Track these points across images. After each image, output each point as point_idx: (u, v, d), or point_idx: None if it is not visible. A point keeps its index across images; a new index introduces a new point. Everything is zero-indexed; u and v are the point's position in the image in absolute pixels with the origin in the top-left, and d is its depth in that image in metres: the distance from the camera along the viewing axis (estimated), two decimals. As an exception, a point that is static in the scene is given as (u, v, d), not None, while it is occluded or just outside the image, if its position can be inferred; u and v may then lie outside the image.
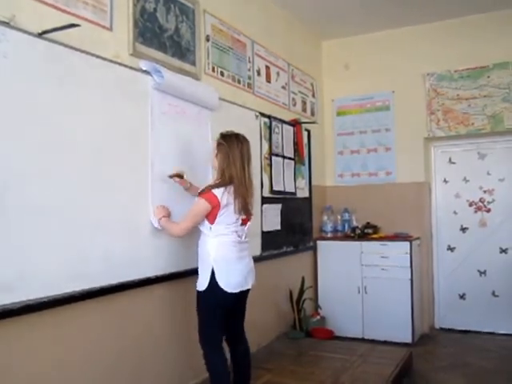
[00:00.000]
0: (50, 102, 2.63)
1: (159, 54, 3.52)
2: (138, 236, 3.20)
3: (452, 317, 5.95)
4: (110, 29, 3.11)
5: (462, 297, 5.91)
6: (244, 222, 3.20)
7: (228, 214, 3.08)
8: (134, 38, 3.28)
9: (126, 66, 3.16)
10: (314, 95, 6.24)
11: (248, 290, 3.25)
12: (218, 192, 3.04)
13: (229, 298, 3.09)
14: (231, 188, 3.07)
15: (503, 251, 5.73)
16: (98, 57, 2.93)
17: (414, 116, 6.00)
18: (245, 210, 3.14)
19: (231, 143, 3.10)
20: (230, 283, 3.07)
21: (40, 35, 2.58)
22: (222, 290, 3.05)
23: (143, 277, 3.23)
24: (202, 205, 3.05)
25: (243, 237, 3.21)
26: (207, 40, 4.11)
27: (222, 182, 3.10)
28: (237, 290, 3.10)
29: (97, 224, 2.88)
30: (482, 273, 5.81)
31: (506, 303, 5.56)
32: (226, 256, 3.09)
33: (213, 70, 4.18)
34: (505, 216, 5.73)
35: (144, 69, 3.30)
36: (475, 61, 5.71)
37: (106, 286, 2.93)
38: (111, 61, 3.04)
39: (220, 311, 3.13)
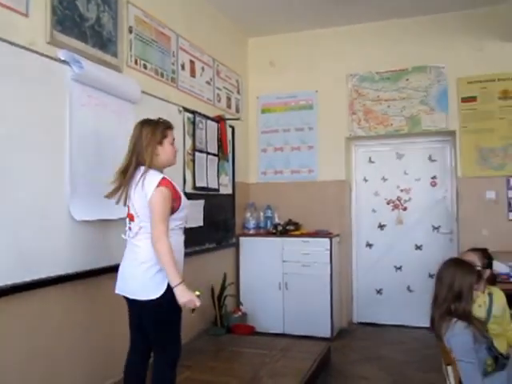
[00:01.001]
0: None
1: (79, 44, 3.40)
2: (54, 231, 3.08)
3: (369, 311, 6.14)
4: (26, 15, 2.98)
5: (379, 292, 6.10)
6: (130, 217, 2.84)
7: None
8: (52, 25, 3.15)
9: (42, 54, 3.03)
10: (238, 92, 6.25)
11: (145, 304, 2.73)
12: None
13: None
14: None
15: (418, 248, 5.96)
16: (11, 43, 2.79)
17: (336, 115, 6.12)
18: (125, 202, 2.83)
19: None
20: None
21: None
22: None
23: (64, 273, 3.13)
24: None
25: (128, 234, 2.86)
26: (130, 31, 4.02)
27: None
28: (117, 291, 2.87)
29: (6, 217, 2.74)
30: (398, 268, 6.02)
31: (419, 297, 5.74)
32: None
33: (135, 62, 4.10)
34: (420, 214, 5.97)
35: (62, 58, 3.18)
36: (396, 63, 5.89)
37: (18, 284, 2.79)
38: (26, 48, 2.91)
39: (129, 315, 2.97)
